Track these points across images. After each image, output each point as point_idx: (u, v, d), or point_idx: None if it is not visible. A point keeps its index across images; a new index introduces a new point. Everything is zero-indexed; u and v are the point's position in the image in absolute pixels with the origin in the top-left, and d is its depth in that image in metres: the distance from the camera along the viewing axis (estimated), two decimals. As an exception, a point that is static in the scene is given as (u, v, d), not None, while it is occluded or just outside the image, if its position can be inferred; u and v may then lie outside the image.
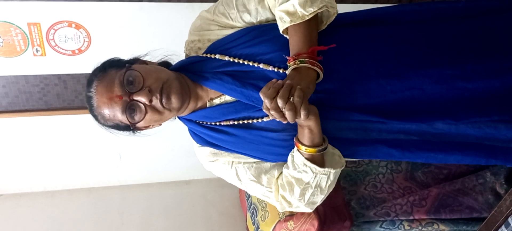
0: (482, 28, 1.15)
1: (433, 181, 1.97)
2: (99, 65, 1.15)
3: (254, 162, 1.19)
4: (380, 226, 1.99)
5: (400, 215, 1.93)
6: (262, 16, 1.16)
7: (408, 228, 1.93)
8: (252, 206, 2.66)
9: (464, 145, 1.14)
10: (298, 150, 1.07)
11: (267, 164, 1.19)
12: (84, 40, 2.43)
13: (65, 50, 2.45)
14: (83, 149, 2.96)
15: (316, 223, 2.01)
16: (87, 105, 1.13)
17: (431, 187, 1.93)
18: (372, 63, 1.09)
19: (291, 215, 2.15)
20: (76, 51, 2.46)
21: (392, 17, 1.20)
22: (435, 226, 1.89)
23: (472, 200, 1.81)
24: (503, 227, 1.11)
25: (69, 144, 2.93)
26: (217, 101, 1.17)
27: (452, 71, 1.08)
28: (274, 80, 0.98)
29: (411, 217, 1.91)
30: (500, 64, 1.09)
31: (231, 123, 1.15)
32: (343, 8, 1.16)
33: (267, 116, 1.08)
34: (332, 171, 1.09)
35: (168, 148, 3.06)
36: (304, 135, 1.04)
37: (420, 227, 1.91)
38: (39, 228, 3.04)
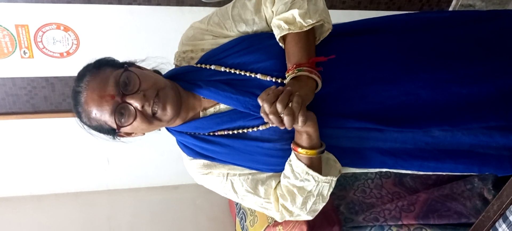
0: (471, 34, 1.17)
1: (421, 186, 1.97)
2: (93, 61, 1.11)
3: (250, 173, 1.16)
4: (369, 231, 1.98)
5: (389, 220, 1.92)
6: (258, 26, 1.16)
7: (397, 233, 1.92)
8: (241, 211, 2.64)
9: (457, 153, 1.15)
10: (297, 154, 1.06)
11: (263, 175, 1.16)
12: (72, 42, 2.41)
13: (53, 52, 2.42)
14: (70, 153, 2.93)
15: (304, 228, 1.99)
16: (72, 101, 1.08)
17: (420, 192, 1.93)
18: (368, 70, 1.10)
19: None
20: (64, 54, 2.44)
21: (383, 26, 1.21)
22: (424, 231, 1.89)
23: (460, 206, 1.80)
24: None
25: (56, 147, 2.90)
26: (211, 110, 1.15)
27: (445, 76, 1.09)
28: (273, 87, 0.97)
29: (400, 222, 1.89)
30: (492, 67, 1.11)
31: (225, 133, 1.13)
32: (333, 14, 1.17)
33: (263, 124, 1.08)
34: (334, 178, 1.09)
35: (156, 152, 3.04)
36: (303, 140, 1.04)
37: (408, 232, 1.91)
38: (24, 234, 3.00)
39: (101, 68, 1.07)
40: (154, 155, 3.05)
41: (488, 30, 1.19)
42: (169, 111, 1.06)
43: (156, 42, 2.42)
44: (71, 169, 3.03)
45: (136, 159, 3.07)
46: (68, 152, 2.92)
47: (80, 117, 1.09)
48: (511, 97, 1.11)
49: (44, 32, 2.35)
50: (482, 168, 1.17)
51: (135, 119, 1.04)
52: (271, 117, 0.92)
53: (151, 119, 1.06)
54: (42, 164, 2.97)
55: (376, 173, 2.12)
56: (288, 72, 1.04)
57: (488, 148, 1.15)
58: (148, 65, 1.20)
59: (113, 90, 1.02)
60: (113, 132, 1.10)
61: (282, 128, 0.94)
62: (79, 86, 1.04)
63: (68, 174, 3.06)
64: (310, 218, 1.18)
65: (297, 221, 2.04)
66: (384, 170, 1.21)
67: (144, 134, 1.15)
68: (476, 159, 1.16)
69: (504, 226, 1.06)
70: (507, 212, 1.05)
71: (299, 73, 1.02)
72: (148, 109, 1.04)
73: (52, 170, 3.02)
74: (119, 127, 1.06)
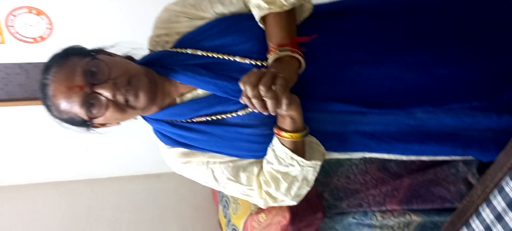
0: (454, 16, 1.15)
1: (406, 172, 1.96)
2: (60, 51, 1.06)
3: (231, 161, 1.13)
4: (353, 217, 1.98)
5: (373, 206, 1.92)
6: (235, 7, 1.12)
7: (381, 218, 1.92)
8: (223, 199, 2.64)
9: (441, 135, 1.14)
10: (280, 138, 1.03)
11: (245, 161, 1.13)
12: (45, 27, 2.33)
13: (26, 37, 2.35)
14: (48, 141, 2.86)
15: (287, 216, 1.98)
16: (41, 94, 1.03)
17: (404, 177, 1.92)
18: (348, 52, 1.07)
19: (262, 208, 2.12)
20: (38, 39, 2.36)
21: (365, 7, 1.18)
22: (408, 217, 1.88)
23: (444, 190, 1.80)
24: (474, 216, 1.10)
25: (33, 136, 2.83)
26: (188, 96, 1.11)
27: (427, 57, 1.08)
28: (254, 69, 0.93)
29: (384, 208, 1.90)
30: (475, 48, 1.09)
31: (203, 119, 1.09)
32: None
33: (242, 109, 1.05)
34: (319, 162, 1.07)
35: (138, 140, 2.98)
36: (286, 123, 1.01)
37: (392, 218, 1.90)
38: (2, 224, 2.95)
39: (68, 58, 1.02)
40: (135, 143, 3.01)
41: (472, 10, 1.17)
42: (142, 99, 1.02)
43: (132, 25, 2.33)
44: (49, 158, 2.98)
45: (116, 147, 3.03)
46: (46, 141, 2.85)
47: (50, 111, 1.04)
48: (493, 78, 1.10)
49: (15, 16, 2.27)
50: (466, 150, 1.16)
51: (107, 109, 1.00)
52: (254, 101, 0.89)
53: (124, 108, 1.02)
54: (19, 153, 2.91)
55: (360, 158, 2.10)
56: (269, 53, 1.01)
57: (471, 130, 1.14)
58: (119, 51, 1.15)
59: (81, 80, 0.97)
60: (86, 124, 1.05)
61: (265, 113, 0.90)
62: (46, 78, 1.00)
63: (47, 163, 3.00)
64: (294, 203, 1.16)
65: (280, 209, 2.03)
66: (367, 155, 1.19)
67: (119, 123, 1.11)
68: (459, 141, 1.14)
69: (487, 210, 1.04)
70: (491, 196, 1.04)
71: (282, 53, 0.98)
72: (121, 98, 1.00)
73: (30, 159, 2.96)
74: (90, 118, 1.02)
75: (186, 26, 1.13)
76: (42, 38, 2.36)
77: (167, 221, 3.11)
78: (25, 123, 2.73)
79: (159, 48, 1.15)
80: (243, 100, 0.91)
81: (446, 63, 1.08)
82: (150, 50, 1.18)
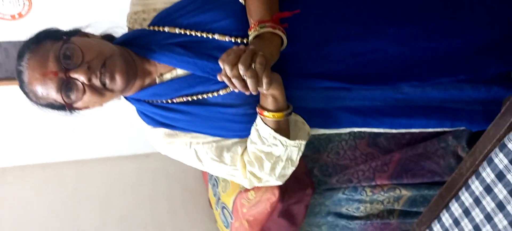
0: None
1: (395, 146, 1.96)
2: (33, 35, 1.04)
3: (214, 141, 1.12)
4: (343, 193, 1.97)
5: (363, 181, 1.91)
6: None
7: (371, 194, 1.92)
8: (213, 177, 2.63)
9: (428, 108, 1.13)
10: (263, 118, 1.02)
11: (228, 141, 1.13)
12: (23, 3, 2.25)
13: (4, 14, 2.27)
14: (32, 122, 2.79)
15: (277, 192, 1.97)
16: (18, 81, 1.02)
17: (394, 152, 1.91)
18: (332, 27, 1.06)
19: (251, 186, 2.11)
20: (16, 16, 2.28)
21: None
22: (397, 191, 1.89)
23: (434, 164, 1.80)
24: (463, 189, 1.10)
25: (17, 117, 2.77)
26: (168, 76, 1.09)
27: (414, 30, 1.06)
28: (234, 47, 0.91)
29: (373, 183, 1.89)
30: (462, 22, 1.08)
31: (184, 99, 1.09)
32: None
33: (223, 88, 1.04)
34: (303, 142, 1.07)
35: (126, 120, 2.92)
36: (268, 103, 1.00)
37: (382, 193, 1.90)
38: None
39: (41, 42, 1.00)
40: (123, 123, 2.94)
41: None
42: (118, 81, 1.01)
43: (113, 1, 2.27)
44: (35, 139, 2.93)
45: (103, 127, 2.98)
46: (29, 121, 2.79)
47: (28, 97, 1.04)
48: (480, 51, 1.10)
49: (-10, -8, 2.19)
50: (455, 123, 1.16)
51: (84, 93, 0.99)
52: (234, 80, 0.87)
53: (101, 91, 1.01)
54: (3, 136, 2.86)
55: (349, 134, 2.09)
56: (250, 30, 1.00)
57: (459, 102, 1.14)
58: (96, 30, 1.12)
59: (54, 66, 0.97)
60: (67, 108, 1.05)
61: (246, 93, 0.89)
62: (20, 65, 1.00)
63: (32, 145, 2.96)
64: (279, 183, 1.16)
65: (269, 186, 2.01)
66: (355, 129, 1.19)
67: (101, 105, 1.10)
68: (447, 113, 1.15)
69: (477, 182, 1.04)
70: (480, 169, 1.03)
71: (262, 30, 0.97)
72: (96, 82, 0.99)
73: (15, 142, 2.91)
74: (68, 104, 1.01)
75: (163, 2, 1.10)
76: (21, 15, 2.28)
77: (156, 201, 3.09)
78: (7, 104, 2.68)
79: (137, 26, 1.13)
80: (222, 78, 0.89)
81: (432, 37, 1.07)
82: (129, 28, 1.16)
